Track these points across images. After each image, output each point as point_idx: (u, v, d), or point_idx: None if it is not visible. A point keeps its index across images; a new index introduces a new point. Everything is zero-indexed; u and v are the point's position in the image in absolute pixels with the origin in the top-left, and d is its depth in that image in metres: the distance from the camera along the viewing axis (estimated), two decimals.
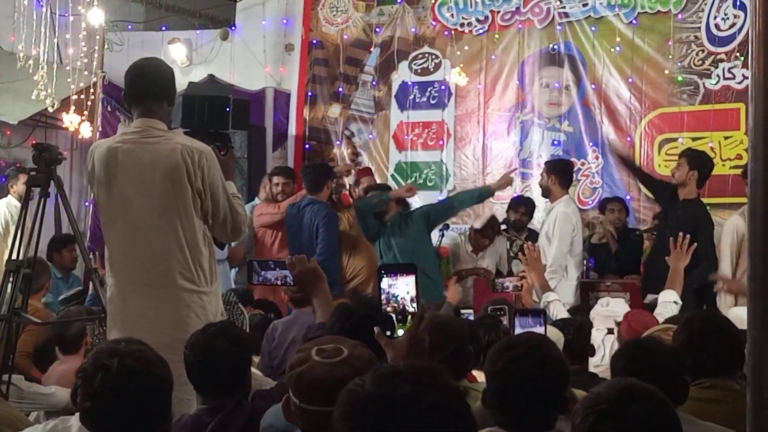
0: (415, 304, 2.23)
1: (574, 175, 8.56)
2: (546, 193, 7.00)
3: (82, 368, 2.33)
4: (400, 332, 2.21)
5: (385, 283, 2.22)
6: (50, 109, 8.24)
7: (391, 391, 1.50)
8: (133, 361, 2.31)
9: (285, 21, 9.85)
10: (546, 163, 7.45)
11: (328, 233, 6.96)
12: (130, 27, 10.10)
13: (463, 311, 5.50)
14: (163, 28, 10.13)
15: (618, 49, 8.53)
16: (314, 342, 2.35)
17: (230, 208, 3.74)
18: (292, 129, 9.79)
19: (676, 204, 6.38)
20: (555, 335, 3.71)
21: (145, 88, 3.70)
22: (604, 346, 4.85)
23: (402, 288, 2.22)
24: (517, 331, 2.46)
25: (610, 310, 5.06)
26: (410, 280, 2.23)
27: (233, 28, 9.95)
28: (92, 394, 2.28)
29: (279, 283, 3.23)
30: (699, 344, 3.20)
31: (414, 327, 2.21)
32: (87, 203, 9.44)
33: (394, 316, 2.22)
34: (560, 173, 6.97)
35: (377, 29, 9.50)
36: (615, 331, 4.77)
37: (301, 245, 6.78)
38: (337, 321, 2.97)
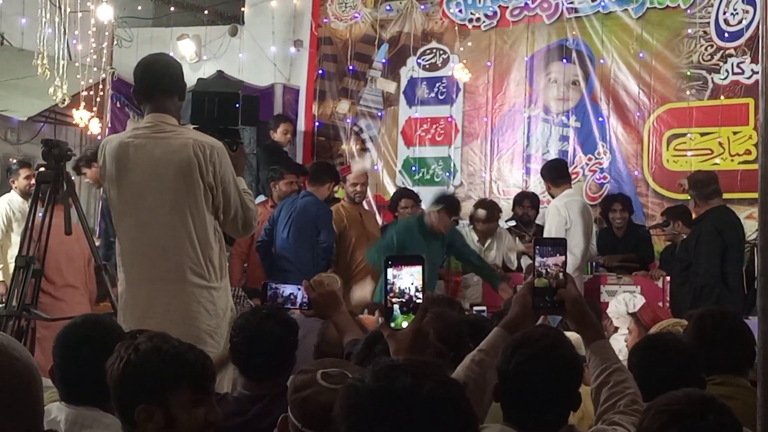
0: (420, 295, 2.20)
1: (582, 170, 8.58)
2: (551, 196, 7.21)
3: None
4: (405, 324, 2.18)
5: (390, 274, 2.19)
6: (60, 105, 8.25)
7: (391, 384, 1.50)
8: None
9: (294, 17, 9.85)
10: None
11: (329, 227, 6.95)
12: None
13: (475, 308, 5.49)
14: (172, 24, 10.14)
15: (627, 44, 8.50)
16: (318, 364, 2.29)
17: (241, 203, 3.73)
18: (301, 125, 9.79)
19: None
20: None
21: (155, 84, 3.70)
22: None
23: (407, 279, 2.18)
24: (537, 260, 2.30)
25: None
26: (416, 270, 2.19)
27: (242, 24, 9.96)
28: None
29: (291, 302, 3.14)
30: (710, 341, 3.20)
31: (418, 319, 2.17)
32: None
33: (397, 306, 2.20)
34: (547, 175, 7.15)
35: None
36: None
37: (299, 235, 6.83)
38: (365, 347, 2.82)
